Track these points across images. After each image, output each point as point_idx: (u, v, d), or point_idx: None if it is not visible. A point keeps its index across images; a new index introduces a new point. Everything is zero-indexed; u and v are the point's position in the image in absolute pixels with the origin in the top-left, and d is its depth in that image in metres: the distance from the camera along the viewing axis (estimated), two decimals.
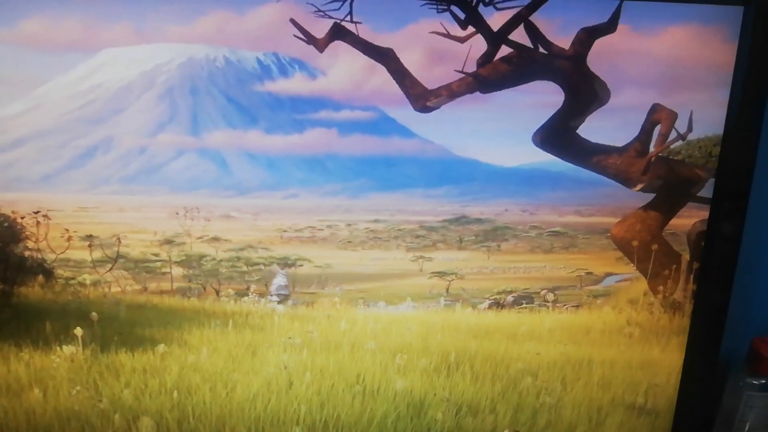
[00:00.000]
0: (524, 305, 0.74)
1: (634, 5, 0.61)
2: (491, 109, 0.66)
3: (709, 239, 0.69)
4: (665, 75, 0.65)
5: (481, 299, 0.73)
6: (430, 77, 0.64)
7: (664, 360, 0.73)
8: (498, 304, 0.73)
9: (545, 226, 0.72)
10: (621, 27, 0.62)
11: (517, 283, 0.74)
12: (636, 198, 0.70)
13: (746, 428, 0.77)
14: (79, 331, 0.67)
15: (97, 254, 0.69)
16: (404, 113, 0.66)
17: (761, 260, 0.77)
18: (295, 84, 0.65)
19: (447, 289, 0.73)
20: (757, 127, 0.66)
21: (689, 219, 0.70)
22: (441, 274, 0.72)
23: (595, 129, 0.67)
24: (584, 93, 0.64)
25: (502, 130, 0.67)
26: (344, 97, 0.65)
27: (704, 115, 0.66)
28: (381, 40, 0.63)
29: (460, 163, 0.68)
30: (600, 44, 0.63)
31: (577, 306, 0.73)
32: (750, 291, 0.78)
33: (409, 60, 0.63)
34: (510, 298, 0.73)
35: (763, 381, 0.75)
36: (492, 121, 0.66)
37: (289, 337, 0.71)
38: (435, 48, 0.63)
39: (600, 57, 0.63)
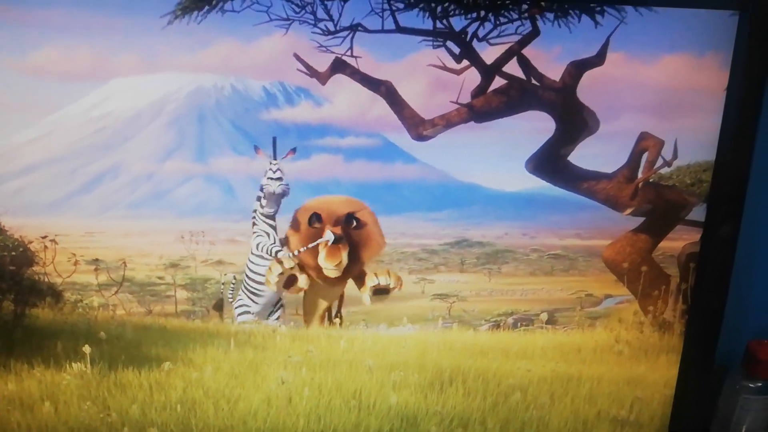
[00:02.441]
0: (524, 326, 0.80)
1: (630, 34, 0.67)
2: (491, 135, 0.72)
3: (705, 242, 0.75)
4: (658, 102, 0.71)
5: (482, 321, 0.80)
6: (431, 105, 0.71)
7: (652, 376, 0.80)
8: (498, 326, 0.80)
9: (545, 248, 0.78)
10: (617, 55, 0.69)
11: (517, 305, 0.80)
12: (634, 222, 0.76)
13: (742, 431, 0.83)
14: (87, 348, 0.74)
15: (103, 278, 0.76)
16: (406, 140, 0.72)
17: (757, 263, 0.83)
18: (301, 112, 0.72)
19: (449, 311, 0.79)
20: (753, 123, 0.71)
21: (680, 241, 0.77)
22: (443, 296, 0.79)
23: (594, 154, 0.73)
24: (574, 123, 0.71)
25: (502, 155, 0.73)
26: (349, 124, 0.72)
27: (694, 142, 0.72)
28: (383, 69, 0.69)
29: (461, 188, 0.75)
30: (596, 72, 0.69)
31: (579, 327, 0.80)
32: (746, 294, 0.84)
33: (410, 88, 0.70)
34: (510, 320, 0.80)
35: (760, 384, 0.81)
36: (492, 147, 0.73)
37: (290, 356, 0.78)
38: (435, 77, 0.69)
39: (595, 84, 0.70)
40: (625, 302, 0.79)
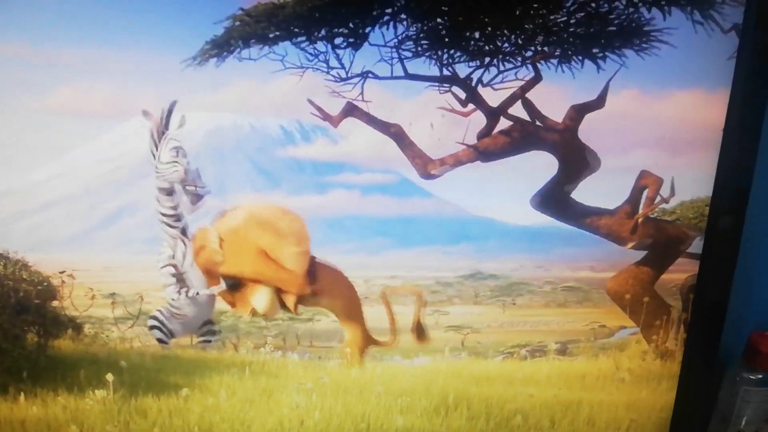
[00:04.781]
0: (537, 357, 0.87)
1: (641, 71, 0.74)
2: (504, 171, 0.80)
3: (709, 235, 0.82)
4: (661, 140, 0.78)
5: (496, 353, 0.87)
6: (439, 145, 0.78)
7: (650, 400, 0.88)
8: (512, 356, 0.87)
9: (559, 281, 0.86)
10: (620, 94, 0.76)
11: (531, 336, 0.88)
12: (643, 254, 0.83)
13: (743, 423, 0.88)
14: (110, 376, 0.82)
15: (120, 311, 0.83)
16: None
17: (760, 255, 0.88)
18: (318, 149, 0.79)
19: (462, 343, 0.87)
20: (758, 124, 0.77)
21: (684, 273, 0.85)
22: (457, 328, 0.87)
23: (604, 189, 0.81)
24: (576, 162, 0.79)
25: (516, 190, 0.81)
26: (365, 160, 0.79)
27: (697, 178, 0.80)
28: (393, 110, 0.76)
29: (475, 222, 0.82)
30: (602, 111, 0.76)
31: (590, 357, 0.88)
32: (748, 286, 0.88)
33: (419, 129, 0.77)
34: (524, 352, 0.88)
35: (760, 376, 0.86)
36: (505, 182, 0.80)
37: (302, 383, 0.86)
38: (443, 118, 0.76)
39: (600, 123, 0.77)
40: (638, 334, 0.87)
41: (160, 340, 0.76)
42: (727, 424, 0.89)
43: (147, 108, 0.73)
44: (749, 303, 0.89)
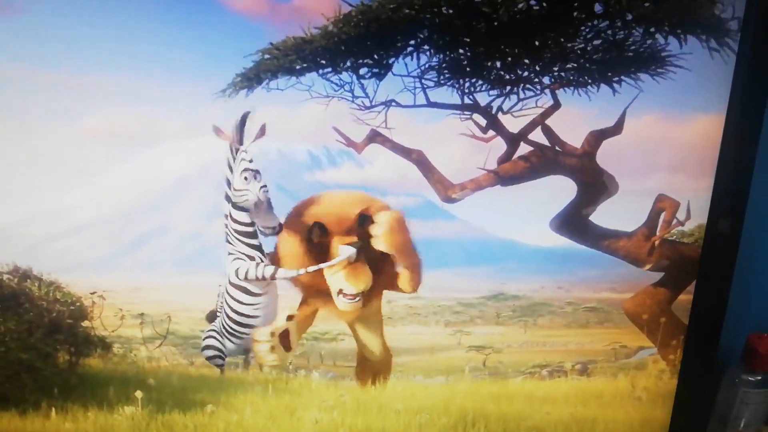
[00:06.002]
0: (558, 377, 0.91)
1: (658, 96, 0.77)
2: (526, 194, 0.83)
3: (709, 237, 0.84)
4: (680, 163, 0.81)
5: (517, 373, 0.90)
6: (459, 169, 0.82)
7: (664, 417, 0.91)
8: (532, 376, 0.91)
9: (580, 302, 0.89)
10: (647, 117, 0.79)
11: (552, 356, 0.91)
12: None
13: (741, 425, 0.90)
14: (139, 393, 0.86)
15: (148, 331, 0.87)
16: None
17: (759, 257, 0.90)
18: (344, 173, 0.82)
19: (484, 363, 0.90)
20: (756, 126, 0.79)
21: None
22: (478, 348, 0.90)
23: (625, 212, 0.84)
24: (595, 186, 0.82)
25: (537, 212, 0.84)
26: (390, 184, 0.83)
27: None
28: (418, 132, 0.80)
29: (498, 244, 0.86)
30: (625, 134, 0.80)
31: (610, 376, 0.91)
32: (747, 287, 0.91)
33: (440, 154, 0.81)
34: (545, 372, 0.91)
35: (759, 377, 0.88)
36: (527, 205, 0.84)
37: (324, 401, 0.90)
38: (464, 143, 0.80)
39: (620, 147, 0.80)
40: (655, 354, 0.89)
41: (219, 366, 0.81)
42: (726, 425, 0.91)
43: (176, 131, 0.78)
44: (748, 305, 0.92)
